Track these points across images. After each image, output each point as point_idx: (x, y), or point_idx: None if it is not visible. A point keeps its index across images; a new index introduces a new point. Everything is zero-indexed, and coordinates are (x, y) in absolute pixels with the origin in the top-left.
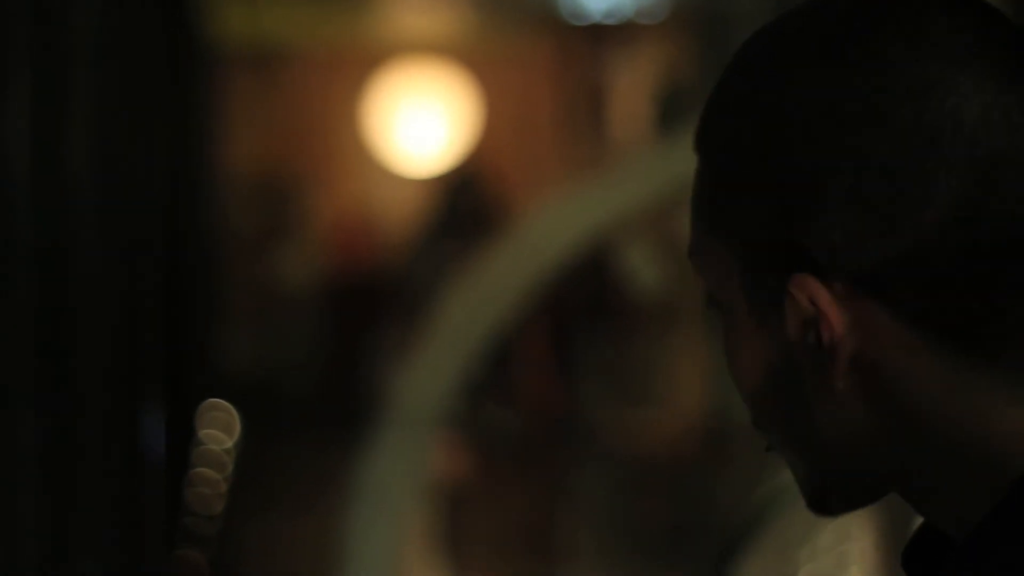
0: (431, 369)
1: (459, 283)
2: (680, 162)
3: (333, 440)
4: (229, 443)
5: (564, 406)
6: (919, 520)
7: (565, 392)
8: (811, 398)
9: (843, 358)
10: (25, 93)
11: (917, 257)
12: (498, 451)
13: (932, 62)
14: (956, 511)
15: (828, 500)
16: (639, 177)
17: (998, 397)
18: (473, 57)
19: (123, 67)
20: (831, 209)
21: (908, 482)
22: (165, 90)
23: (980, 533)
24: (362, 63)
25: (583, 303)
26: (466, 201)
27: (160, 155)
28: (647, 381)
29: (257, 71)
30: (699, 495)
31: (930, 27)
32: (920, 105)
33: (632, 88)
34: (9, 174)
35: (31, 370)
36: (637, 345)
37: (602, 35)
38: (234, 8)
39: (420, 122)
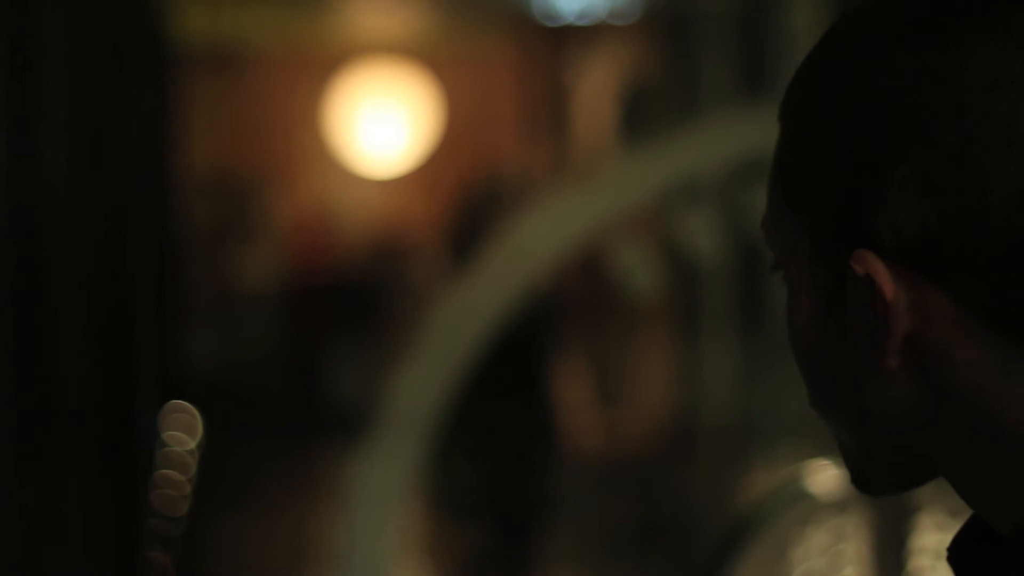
0: (420, 377)
1: (448, 291)
2: (663, 166)
3: (295, 440)
4: (192, 444)
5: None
6: (915, 520)
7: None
8: (863, 374)
9: (897, 336)
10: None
11: (979, 245)
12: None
13: (1011, 54)
14: (1001, 504)
15: (871, 478)
16: (625, 181)
17: None
18: (436, 57)
19: (83, 67)
20: (898, 190)
21: (953, 470)
22: (126, 90)
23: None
24: (324, 63)
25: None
26: (490, 211)
27: (120, 154)
28: (619, 381)
29: (218, 71)
30: (669, 494)
31: (1013, 18)
32: (994, 96)
33: (597, 89)
34: None
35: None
36: (613, 346)
37: (568, 36)
38: (195, 8)
39: (382, 123)
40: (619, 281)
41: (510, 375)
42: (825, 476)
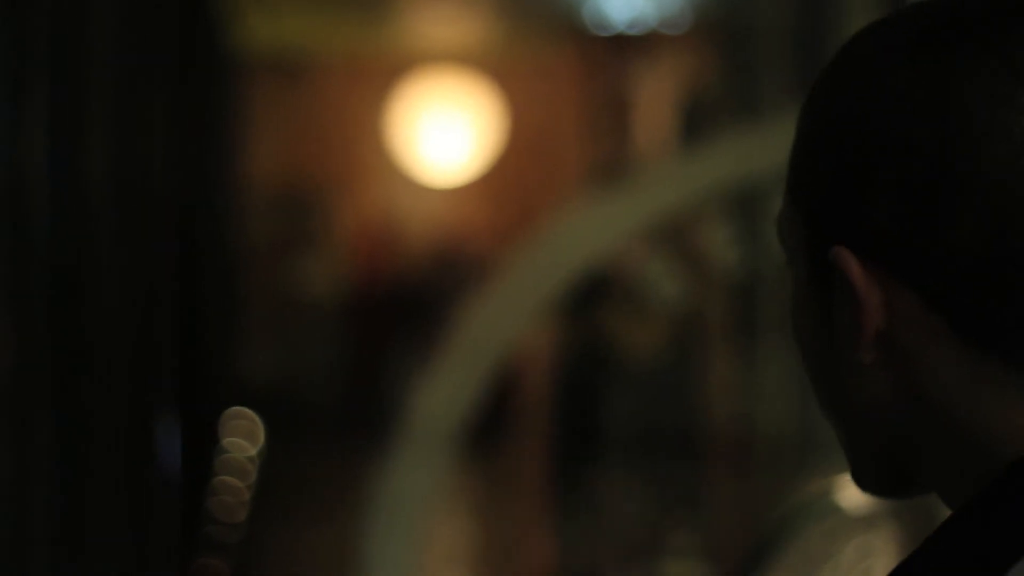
0: (450, 383)
1: (478, 296)
2: (701, 174)
3: (355, 449)
4: (252, 451)
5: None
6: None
7: None
8: (845, 368)
9: (869, 333)
10: (44, 103)
11: (951, 252)
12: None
13: (993, 73)
14: (960, 498)
15: (864, 475)
16: (660, 189)
17: (1011, 394)
18: (496, 67)
19: (145, 76)
20: (878, 192)
21: (927, 468)
22: (188, 99)
23: (957, 515)
24: (386, 72)
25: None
26: None
27: (182, 165)
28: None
29: (280, 80)
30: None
31: (1001, 41)
32: (974, 111)
33: (656, 98)
34: (28, 184)
35: (48, 379)
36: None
37: (625, 45)
38: (258, 17)
39: (443, 132)
40: (646, 292)
41: None
42: (855, 490)
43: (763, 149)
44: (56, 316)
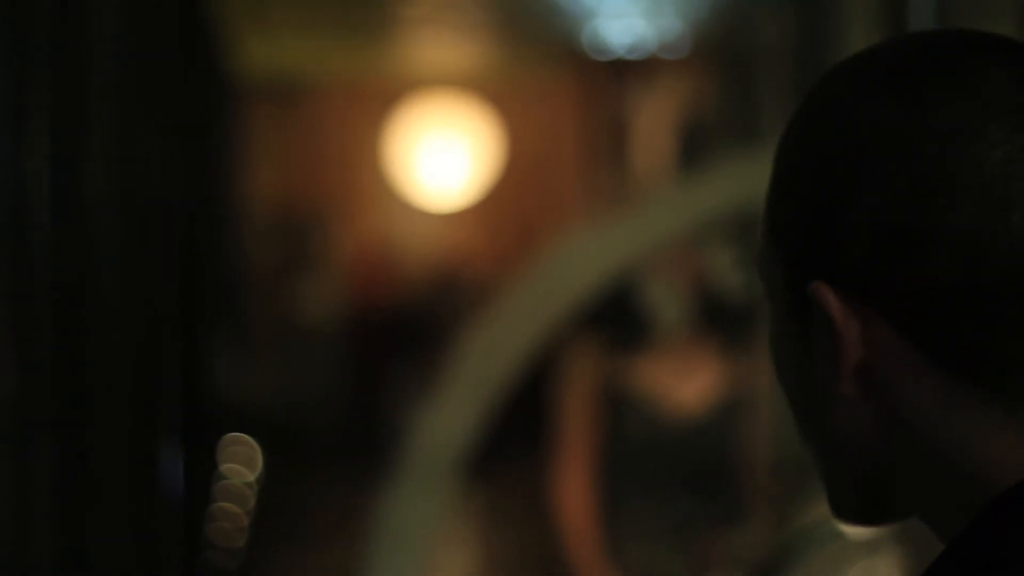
0: (451, 411)
1: (478, 323)
2: (701, 198)
3: (354, 474)
4: (251, 477)
5: None
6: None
7: None
8: (826, 400)
9: (849, 365)
10: (45, 127)
11: (925, 284)
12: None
13: (965, 108)
14: (947, 530)
15: (842, 504)
16: (661, 213)
17: (990, 423)
18: (495, 91)
19: (145, 100)
20: (852, 228)
21: (909, 496)
22: (187, 123)
23: (947, 552)
24: (384, 97)
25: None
26: None
27: (181, 189)
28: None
29: (279, 105)
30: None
31: (973, 77)
32: (944, 146)
33: (655, 123)
34: (29, 208)
35: (49, 405)
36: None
37: (625, 70)
38: (256, 42)
39: (441, 156)
40: (648, 315)
41: None
42: None
43: (762, 173)
44: (58, 340)
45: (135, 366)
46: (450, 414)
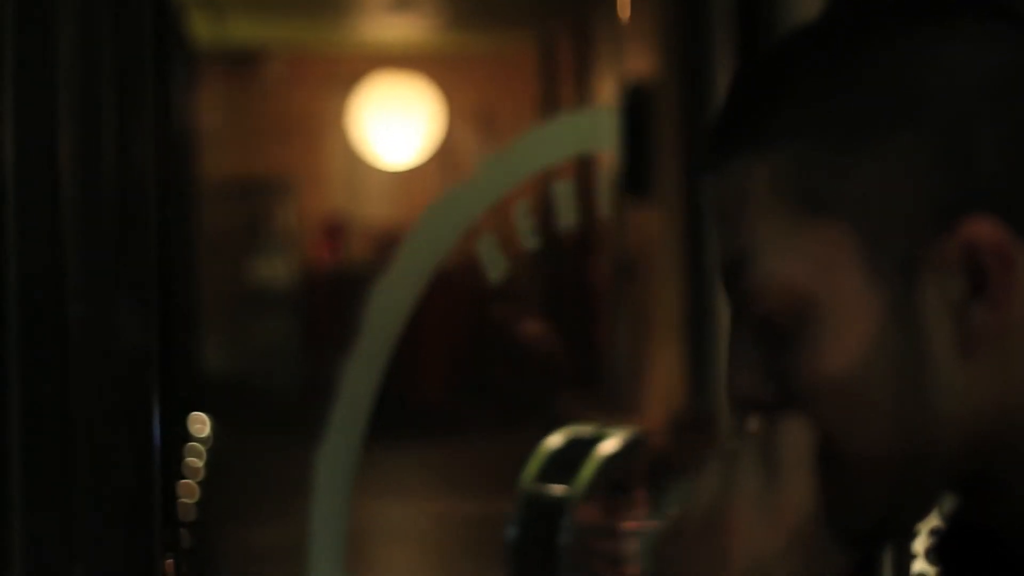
0: (358, 365)
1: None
2: (534, 154)
3: (312, 442)
4: (202, 449)
5: None
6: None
7: None
8: (941, 377)
9: (1019, 301)
10: (8, 94)
11: None
12: None
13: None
14: None
15: (906, 523)
16: (496, 174)
17: None
18: (451, 59)
19: (108, 69)
20: (992, 145)
21: (995, 473)
22: (145, 93)
23: None
24: (344, 64)
25: None
26: None
27: (137, 158)
28: None
29: (238, 74)
30: None
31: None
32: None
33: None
34: None
35: (19, 378)
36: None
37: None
38: (216, 12)
39: (400, 124)
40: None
41: None
42: None
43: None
44: (28, 315)
45: (89, 341)
46: (357, 366)
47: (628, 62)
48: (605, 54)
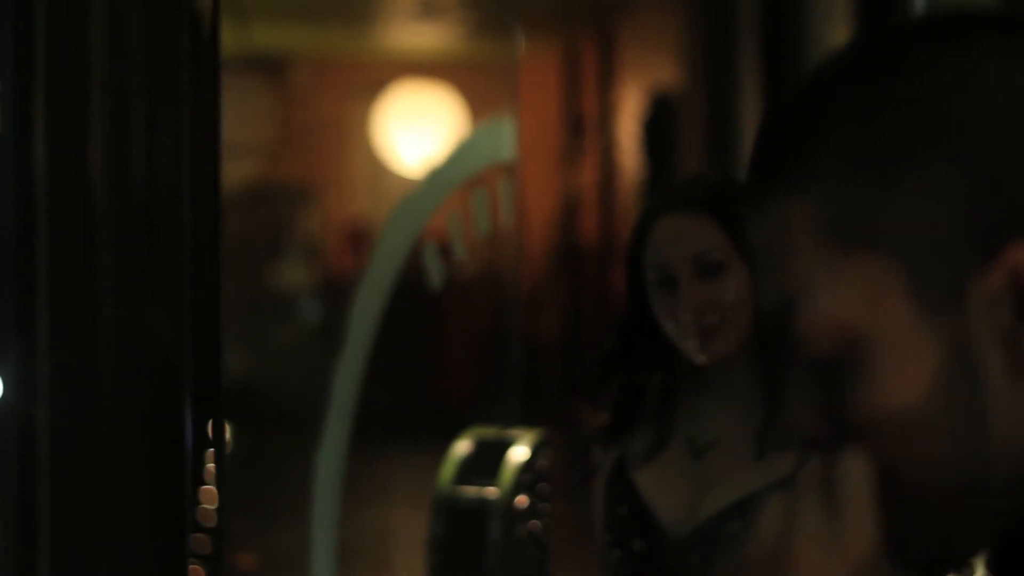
0: (346, 365)
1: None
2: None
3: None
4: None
5: None
6: None
7: None
8: (1007, 407)
9: None
10: (40, 102)
11: None
12: None
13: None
14: None
15: (958, 549)
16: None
17: None
18: (478, 68)
19: (138, 78)
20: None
21: None
22: (182, 101)
23: None
24: (369, 72)
25: None
26: None
27: (161, 166)
28: None
29: (263, 80)
30: None
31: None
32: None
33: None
34: (30, 176)
35: (51, 387)
36: None
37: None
38: (241, 19)
39: (425, 132)
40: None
41: None
42: None
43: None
44: (58, 318)
45: (114, 344)
46: (342, 369)
47: (653, 72)
48: (630, 63)
